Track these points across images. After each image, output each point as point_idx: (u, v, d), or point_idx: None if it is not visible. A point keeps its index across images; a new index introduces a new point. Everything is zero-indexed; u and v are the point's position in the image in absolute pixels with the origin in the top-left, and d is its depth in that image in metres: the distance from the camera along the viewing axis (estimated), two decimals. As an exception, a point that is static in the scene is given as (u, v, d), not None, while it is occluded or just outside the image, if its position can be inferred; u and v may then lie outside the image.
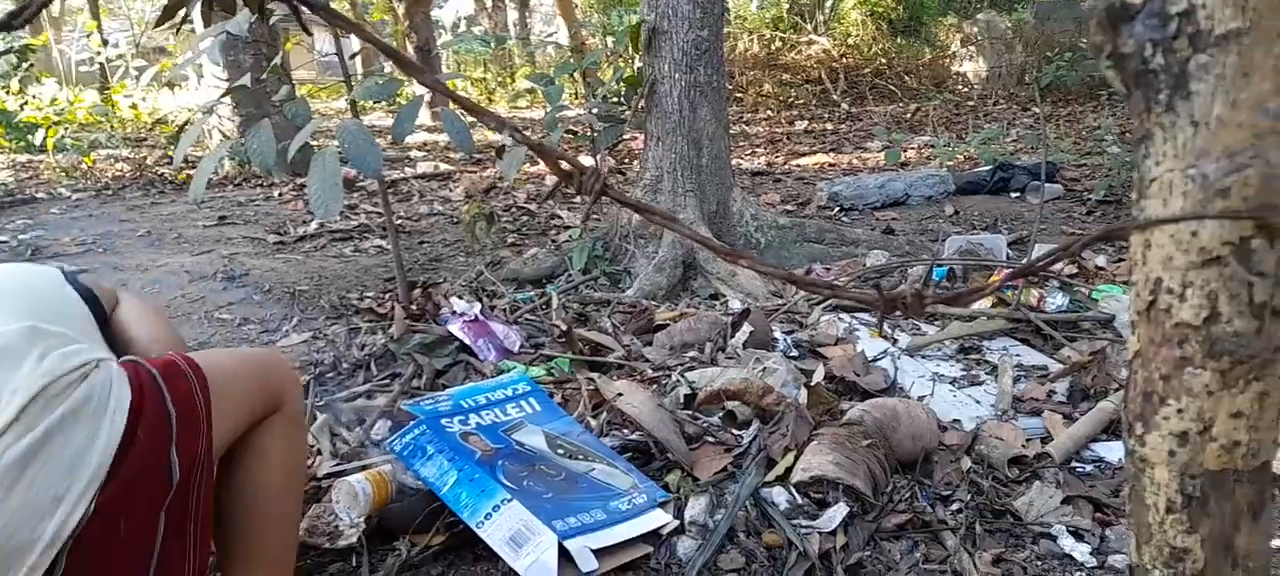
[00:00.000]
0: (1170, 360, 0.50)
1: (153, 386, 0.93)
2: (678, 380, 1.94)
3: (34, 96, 7.47)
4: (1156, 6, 0.46)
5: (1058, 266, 2.64)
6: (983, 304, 2.43)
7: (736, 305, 2.59)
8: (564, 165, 0.56)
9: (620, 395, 1.75)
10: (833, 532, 1.39)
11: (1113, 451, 1.65)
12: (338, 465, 1.66)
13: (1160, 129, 0.48)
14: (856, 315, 2.49)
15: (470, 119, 3.27)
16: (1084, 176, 4.66)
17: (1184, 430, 0.51)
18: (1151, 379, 0.52)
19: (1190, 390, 0.50)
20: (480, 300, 2.52)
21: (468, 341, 2.15)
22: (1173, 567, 0.53)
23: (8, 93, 7.38)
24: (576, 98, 8.87)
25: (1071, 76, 8.54)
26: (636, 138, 4.76)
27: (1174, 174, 0.48)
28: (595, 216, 3.48)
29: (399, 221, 3.72)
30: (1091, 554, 1.36)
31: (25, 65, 7.51)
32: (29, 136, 7.05)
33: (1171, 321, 0.50)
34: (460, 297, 2.30)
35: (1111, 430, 1.71)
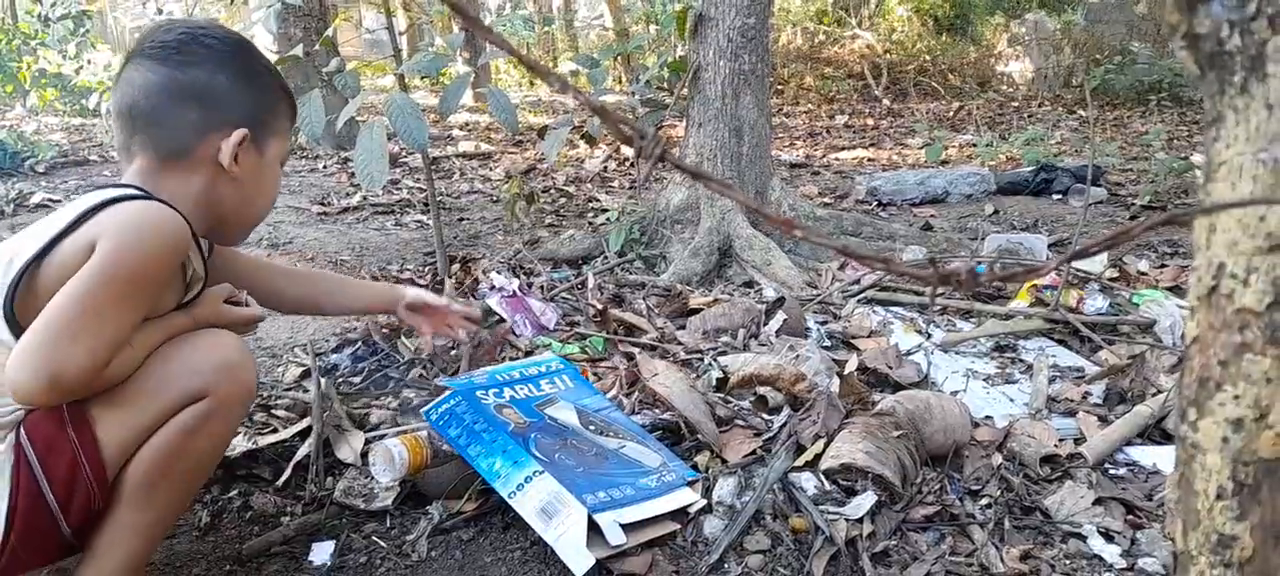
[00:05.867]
0: (1229, 346, 0.50)
1: (29, 479, 0.98)
2: (710, 363, 1.95)
3: (89, 62, 7.66)
4: (1235, -15, 0.45)
5: (1100, 269, 2.60)
6: (1020, 303, 2.40)
7: (770, 293, 2.59)
8: (625, 129, 0.57)
9: (656, 375, 1.76)
10: (860, 520, 1.39)
11: (1147, 455, 1.63)
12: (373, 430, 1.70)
13: (1233, 112, 0.48)
14: (890, 308, 2.48)
15: (515, 99, 3.29)
16: (1129, 181, 4.57)
17: (1239, 416, 0.50)
18: (1208, 364, 0.51)
19: (1248, 376, 0.49)
20: (518, 277, 2.55)
21: (506, 316, 2.17)
22: (1220, 554, 0.52)
23: (64, 57, 7.57)
24: (619, 83, 8.87)
25: (1120, 80, 8.36)
26: (675, 125, 4.75)
27: (1244, 157, 0.47)
28: (634, 200, 3.49)
29: (440, 198, 3.76)
30: (1121, 555, 1.35)
31: (81, 31, 7.69)
32: (83, 100, 7.25)
33: (1233, 307, 0.49)
34: (499, 274, 2.33)
35: (1147, 434, 1.69)
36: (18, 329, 0.98)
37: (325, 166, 5.02)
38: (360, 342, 2.08)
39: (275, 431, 1.67)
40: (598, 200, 4.09)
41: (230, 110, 1.15)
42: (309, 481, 1.49)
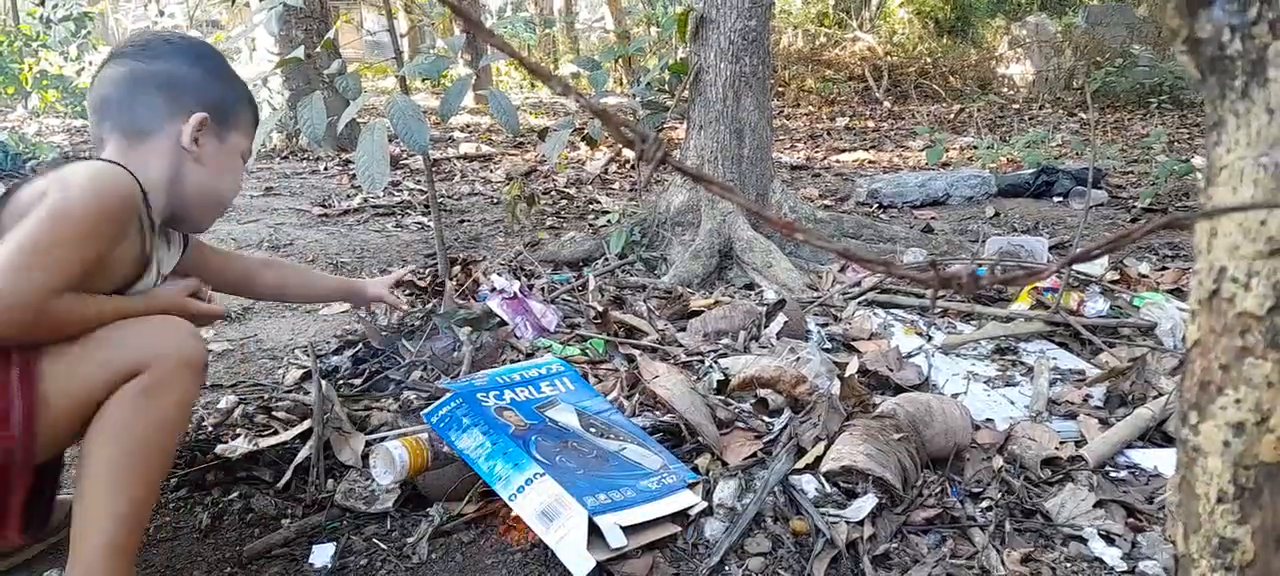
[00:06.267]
0: (1230, 350, 0.50)
1: None
2: (711, 366, 1.95)
3: (90, 63, 7.67)
4: (1236, -10, 0.45)
5: (1101, 272, 2.60)
6: (1021, 306, 2.40)
7: (771, 296, 2.59)
8: (626, 133, 0.57)
9: (657, 377, 1.76)
10: (861, 523, 1.39)
11: (1148, 458, 1.63)
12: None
13: (1233, 116, 0.48)
14: (891, 311, 2.47)
15: (516, 101, 3.28)
16: (1130, 184, 4.57)
17: (1240, 420, 0.50)
18: (1210, 368, 0.51)
19: (1249, 381, 0.49)
20: (519, 278, 2.55)
21: (506, 317, 2.17)
22: (1221, 558, 0.52)
23: (65, 59, 7.58)
24: (620, 85, 8.89)
25: (1121, 83, 8.37)
26: (676, 127, 4.76)
27: (1245, 162, 0.47)
28: (635, 203, 3.49)
29: (441, 200, 3.77)
30: (1122, 558, 1.35)
31: (83, 32, 7.71)
32: (85, 102, 7.27)
33: (1234, 311, 0.49)
34: (500, 276, 2.33)
35: (1148, 436, 1.69)
36: None
37: (326, 168, 5.02)
38: (361, 344, 2.09)
39: (276, 433, 1.67)
40: (598, 202, 4.09)
41: (193, 98, 1.27)
42: (309, 483, 1.49)
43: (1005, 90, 9.84)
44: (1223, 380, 0.51)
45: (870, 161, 5.88)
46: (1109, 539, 1.39)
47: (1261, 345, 0.49)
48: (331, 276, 1.84)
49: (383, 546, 1.36)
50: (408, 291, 2.50)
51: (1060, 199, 4.26)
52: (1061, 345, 2.21)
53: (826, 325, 2.35)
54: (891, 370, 1.98)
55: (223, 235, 3.26)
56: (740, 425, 1.69)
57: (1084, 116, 7.84)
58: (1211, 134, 0.50)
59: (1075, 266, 2.46)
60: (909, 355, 2.12)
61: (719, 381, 1.87)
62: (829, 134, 7.42)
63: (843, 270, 2.82)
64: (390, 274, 1.93)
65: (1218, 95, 0.49)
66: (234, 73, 1.35)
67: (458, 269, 2.74)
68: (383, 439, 1.59)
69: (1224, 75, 0.48)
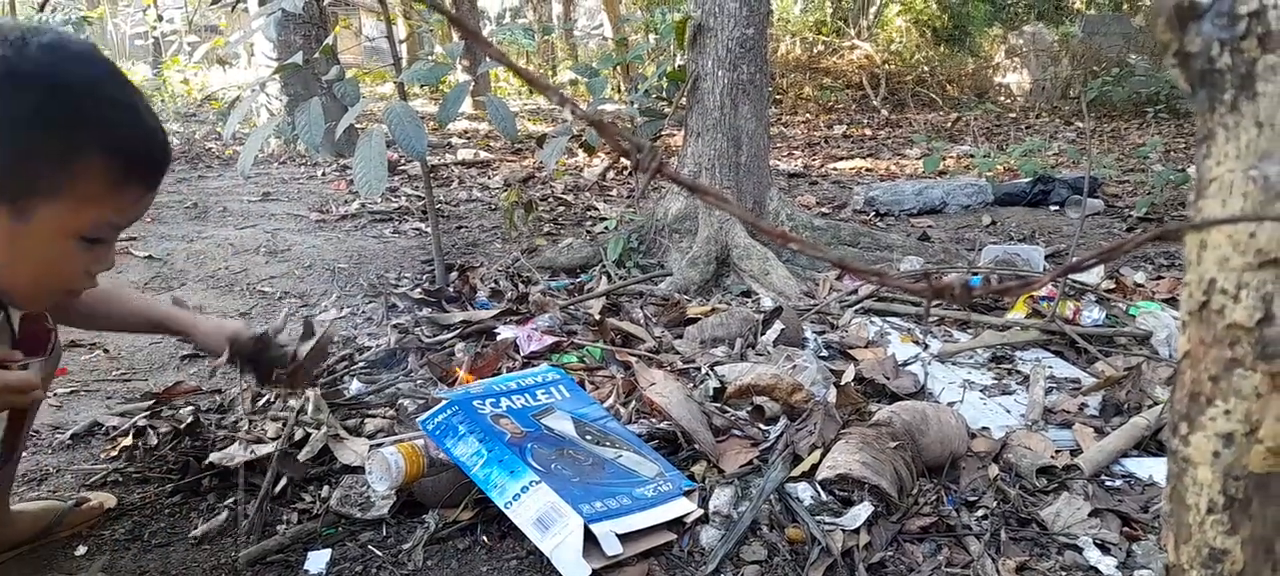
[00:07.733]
0: (1220, 361, 0.50)
1: None
2: (707, 373, 1.95)
3: (87, 67, 7.66)
4: (1226, 5, 0.46)
5: (1096, 281, 2.60)
6: (1017, 314, 2.41)
7: (768, 303, 2.59)
8: (622, 143, 0.57)
9: (653, 385, 1.77)
10: (856, 531, 1.39)
11: (1143, 467, 1.63)
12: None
13: (1223, 129, 0.48)
14: (888, 319, 2.48)
15: (514, 107, 3.30)
16: (1126, 193, 4.59)
17: (1230, 431, 0.51)
18: (1199, 379, 0.52)
19: (1239, 392, 0.50)
20: (515, 287, 2.54)
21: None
22: (1211, 568, 0.53)
23: (63, 62, 7.57)
24: (618, 92, 8.91)
25: (1118, 92, 8.40)
26: (673, 134, 4.77)
27: (1235, 175, 0.48)
28: (632, 209, 3.50)
29: (438, 206, 3.78)
30: (1117, 567, 1.35)
31: (81, 38, 7.71)
32: None
33: (1223, 322, 0.50)
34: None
35: (1143, 445, 1.69)
36: None
37: (324, 174, 5.03)
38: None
39: (276, 440, 1.66)
40: (596, 209, 4.09)
41: None
42: (292, 492, 1.49)
43: (1002, 99, 9.87)
44: (1212, 391, 0.51)
45: (867, 169, 5.89)
46: (1104, 548, 1.39)
47: (1251, 356, 0.49)
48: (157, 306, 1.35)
49: (378, 553, 1.35)
50: (404, 302, 2.50)
51: (1056, 208, 4.28)
52: (1057, 354, 2.22)
53: (823, 333, 2.35)
54: (888, 378, 1.99)
55: (220, 240, 3.26)
56: (736, 432, 1.70)
57: (1080, 125, 7.87)
58: (1201, 147, 0.50)
59: (1071, 275, 2.47)
60: (905, 363, 2.13)
61: (715, 389, 1.88)
62: (826, 142, 7.43)
63: (840, 277, 2.83)
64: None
65: (1207, 108, 0.49)
66: (67, 114, 0.90)
67: (455, 275, 2.75)
68: (379, 445, 1.59)
69: (1214, 89, 0.48)
